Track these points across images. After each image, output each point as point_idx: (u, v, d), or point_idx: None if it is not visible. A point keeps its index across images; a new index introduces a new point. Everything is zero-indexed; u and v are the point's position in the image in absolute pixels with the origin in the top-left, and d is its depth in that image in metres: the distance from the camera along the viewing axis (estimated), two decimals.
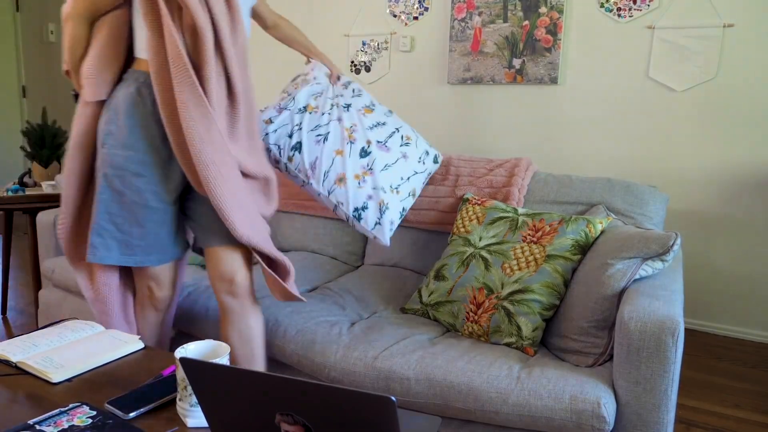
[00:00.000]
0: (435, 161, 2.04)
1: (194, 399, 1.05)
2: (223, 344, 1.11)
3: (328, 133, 1.79)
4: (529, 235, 1.73)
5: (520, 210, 1.82)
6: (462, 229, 1.87)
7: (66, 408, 1.10)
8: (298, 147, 1.77)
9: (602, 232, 1.68)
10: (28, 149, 2.88)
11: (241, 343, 1.56)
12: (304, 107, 1.82)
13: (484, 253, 1.76)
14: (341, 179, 1.77)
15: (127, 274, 1.66)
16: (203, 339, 1.79)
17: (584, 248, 1.65)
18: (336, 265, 2.27)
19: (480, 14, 3.02)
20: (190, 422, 1.06)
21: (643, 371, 1.33)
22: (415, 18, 3.24)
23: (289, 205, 2.43)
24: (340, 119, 1.83)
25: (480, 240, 1.80)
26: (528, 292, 1.62)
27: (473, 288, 1.70)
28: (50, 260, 2.32)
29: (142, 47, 1.46)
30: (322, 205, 2.34)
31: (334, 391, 0.78)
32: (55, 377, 1.22)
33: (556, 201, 1.94)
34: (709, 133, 2.66)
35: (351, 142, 1.80)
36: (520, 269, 1.67)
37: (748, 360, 2.50)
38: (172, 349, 1.88)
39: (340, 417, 0.79)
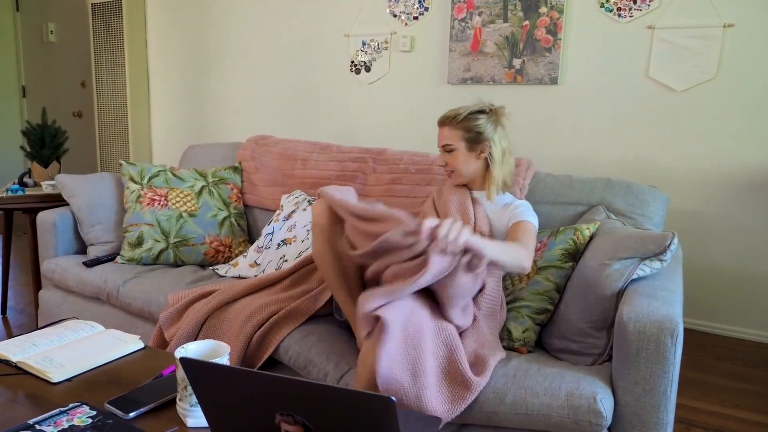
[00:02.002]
0: None
1: (194, 399, 1.05)
2: (223, 344, 1.11)
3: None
4: None
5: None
6: None
7: (66, 408, 1.10)
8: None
9: (592, 236, 1.68)
10: (28, 149, 2.88)
11: None
12: (283, 241, 2.18)
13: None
14: None
15: None
16: None
17: (574, 255, 1.66)
18: None
19: (480, 14, 3.02)
20: (190, 422, 1.06)
21: (643, 372, 1.33)
22: (415, 18, 3.24)
23: None
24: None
25: None
26: (519, 301, 1.65)
27: None
28: (50, 260, 2.32)
29: None
30: None
31: (334, 391, 0.78)
32: (55, 377, 1.22)
33: (556, 201, 1.94)
34: (709, 133, 2.66)
35: None
36: (513, 285, 1.71)
37: (748, 360, 2.50)
38: None
39: (340, 417, 0.79)
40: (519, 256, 1.47)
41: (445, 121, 1.78)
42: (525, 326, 1.59)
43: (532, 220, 1.69)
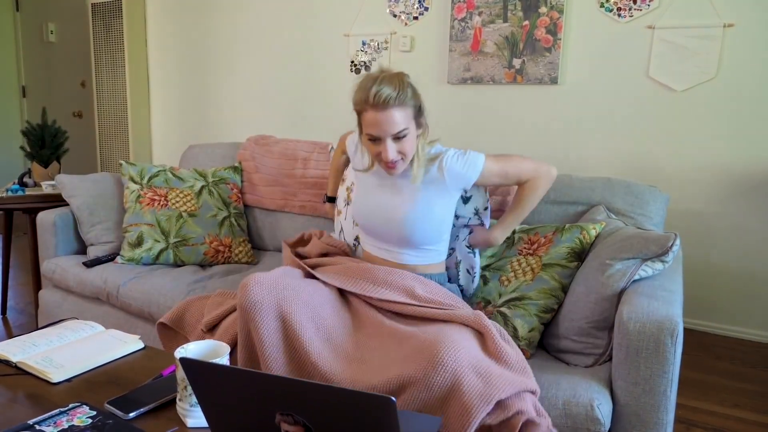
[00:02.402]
0: None
1: (194, 399, 1.05)
2: (223, 344, 1.11)
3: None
4: (525, 248, 1.76)
5: (517, 227, 1.85)
6: None
7: (66, 408, 1.10)
8: None
9: (597, 236, 1.68)
10: (28, 149, 2.88)
11: None
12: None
13: (484, 273, 1.80)
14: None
15: None
16: None
17: (580, 254, 1.66)
18: None
19: (480, 14, 3.02)
20: (190, 422, 1.06)
21: (642, 372, 1.33)
22: (415, 18, 3.24)
23: (288, 206, 2.43)
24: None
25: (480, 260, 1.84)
26: (525, 299, 1.63)
27: (472, 302, 1.73)
28: (50, 260, 2.32)
29: None
30: (321, 207, 2.35)
31: (334, 391, 0.78)
32: (55, 377, 1.22)
33: (556, 201, 1.94)
34: (709, 133, 2.66)
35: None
36: (516, 279, 1.70)
37: (748, 360, 2.50)
38: None
39: (340, 417, 0.79)
40: (535, 199, 1.55)
41: (390, 101, 1.41)
42: (532, 326, 1.58)
43: (478, 159, 1.57)
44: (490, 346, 1.33)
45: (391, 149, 1.47)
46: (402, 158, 1.50)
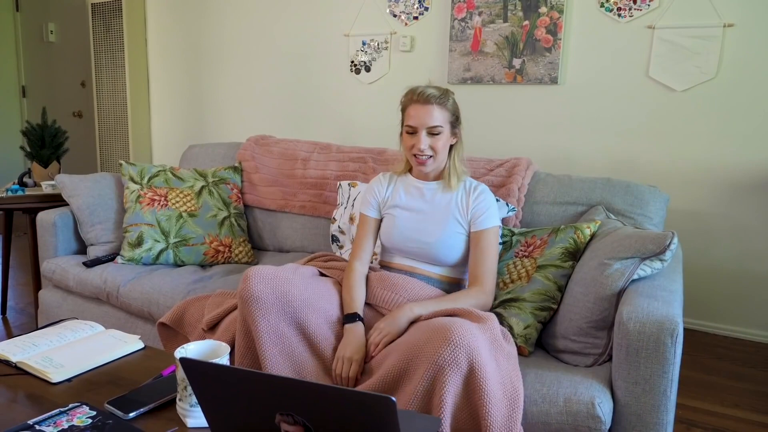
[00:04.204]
0: None
1: (194, 399, 1.05)
2: (223, 344, 1.11)
3: None
4: (521, 251, 1.77)
5: (516, 230, 1.86)
6: None
7: (66, 408, 1.10)
8: None
9: (593, 235, 1.69)
10: (28, 149, 2.88)
11: None
12: None
13: None
14: None
15: None
16: None
17: (574, 254, 1.66)
18: None
19: (480, 14, 3.02)
20: (190, 422, 1.06)
21: (642, 372, 1.33)
22: (415, 18, 3.24)
23: (289, 206, 2.43)
24: None
25: None
26: (520, 300, 1.64)
27: None
28: (50, 260, 2.32)
29: None
30: (320, 206, 2.35)
31: (334, 391, 0.78)
32: (55, 377, 1.22)
33: (556, 201, 1.94)
34: (709, 133, 2.66)
35: None
36: (512, 282, 1.71)
37: (748, 360, 2.50)
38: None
39: (340, 417, 0.79)
40: (460, 301, 1.53)
41: (432, 100, 1.59)
42: (527, 323, 1.58)
43: (495, 219, 1.66)
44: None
45: (424, 140, 1.61)
46: (432, 156, 1.63)
